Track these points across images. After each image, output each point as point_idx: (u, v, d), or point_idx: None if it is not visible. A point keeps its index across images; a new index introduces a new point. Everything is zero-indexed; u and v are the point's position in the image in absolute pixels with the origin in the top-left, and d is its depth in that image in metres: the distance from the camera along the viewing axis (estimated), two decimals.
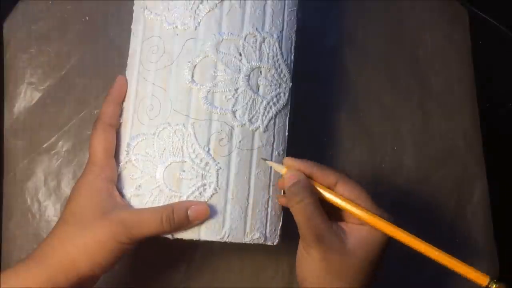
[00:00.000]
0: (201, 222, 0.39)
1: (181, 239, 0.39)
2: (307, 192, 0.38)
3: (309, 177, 0.39)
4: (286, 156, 0.43)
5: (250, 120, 0.40)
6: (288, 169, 0.40)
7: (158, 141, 0.39)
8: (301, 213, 0.38)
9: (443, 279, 0.56)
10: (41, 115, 0.51)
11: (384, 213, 0.38)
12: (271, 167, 0.42)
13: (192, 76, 0.39)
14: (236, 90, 0.40)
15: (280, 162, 0.43)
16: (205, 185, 0.39)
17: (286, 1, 0.42)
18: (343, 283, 0.37)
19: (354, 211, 0.38)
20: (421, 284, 0.55)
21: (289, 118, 0.44)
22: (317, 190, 0.39)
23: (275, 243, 0.42)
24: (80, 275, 0.37)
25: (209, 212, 0.39)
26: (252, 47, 0.40)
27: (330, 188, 0.39)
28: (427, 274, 0.55)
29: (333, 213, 0.40)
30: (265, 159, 0.41)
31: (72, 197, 0.39)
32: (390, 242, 0.39)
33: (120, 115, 0.42)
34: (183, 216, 0.38)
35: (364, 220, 0.38)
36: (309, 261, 0.38)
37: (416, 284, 0.55)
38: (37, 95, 0.51)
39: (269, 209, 0.42)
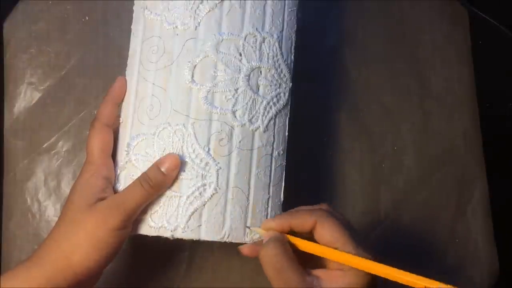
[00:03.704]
0: (177, 171, 0.38)
1: (181, 239, 0.39)
2: (276, 244, 0.37)
3: (291, 231, 0.38)
4: (287, 154, 0.44)
5: (250, 120, 0.40)
6: (266, 231, 0.39)
7: (158, 141, 0.39)
8: (270, 266, 0.36)
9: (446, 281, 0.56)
10: (41, 115, 0.51)
11: (367, 254, 0.36)
12: (271, 167, 0.42)
13: (192, 76, 0.39)
14: (236, 90, 0.40)
15: (281, 162, 0.43)
16: (205, 185, 0.39)
17: (286, 1, 0.42)
18: None
19: (331, 256, 0.36)
20: None
21: (289, 118, 0.44)
22: (292, 239, 0.38)
23: None
24: (77, 273, 0.37)
25: (179, 161, 0.38)
26: (252, 47, 0.40)
27: (311, 233, 0.37)
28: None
29: (313, 259, 0.38)
30: (248, 227, 0.40)
31: (68, 197, 0.39)
32: None
33: (118, 115, 0.42)
34: (157, 173, 0.38)
35: (343, 262, 0.35)
36: None
37: None
38: (37, 95, 0.51)
39: (269, 209, 0.42)
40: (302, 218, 0.38)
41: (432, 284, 0.33)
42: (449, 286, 0.33)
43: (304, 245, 0.38)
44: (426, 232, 0.56)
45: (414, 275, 0.34)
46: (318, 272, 0.37)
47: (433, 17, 0.60)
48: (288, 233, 0.38)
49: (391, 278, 0.35)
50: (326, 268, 0.38)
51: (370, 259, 0.35)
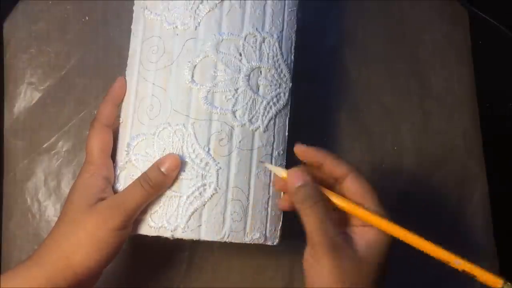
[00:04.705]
0: (178, 171, 0.39)
1: (181, 239, 0.39)
2: (319, 196, 0.37)
3: (317, 167, 0.39)
4: (287, 155, 0.44)
5: (250, 120, 0.40)
6: (292, 169, 0.39)
7: (158, 141, 0.39)
8: (314, 218, 0.36)
9: (449, 279, 0.56)
10: (41, 115, 0.51)
11: (388, 214, 0.37)
12: None
13: (192, 76, 0.39)
14: (236, 90, 0.40)
15: (281, 162, 0.43)
16: (205, 185, 0.39)
17: (286, 1, 0.42)
18: None
19: (358, 212, 0.37)
20: (425, 285, 0.55)
21: (289, 118, 0.44)
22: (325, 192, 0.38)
23: (275, 243, 0.42)
24: (78, 273, 0.37)
25: (180, 161, 0.38)
26: (252, 47, 0.40)
27: (338, 181, 0.38)
28: (431, 274, 0.55)
29: (336, 217, 0.39)
30: (263, 162, 0.40)
31: (68, 197, 0.39)
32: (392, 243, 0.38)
33: (118, 115, 0.42)
34: (157, 173, 0.38)
35: (368, 222, 0.37)
36: (319, 270, 0.35)
37: (420, 285, 0.55)
38: (37, 95, 0.51)
39: (269, 209, 0.42)
40: (337, 162, 0.38)
41: (448, 257, 0.35)
42: (464, 261, 0.35)
43: (333, 197, 0.38)
44: (425, 232, 0.56)
45: (429, 242, 0.36)
46: (346, 229, 0.38)
47: (433, 17, 0.60)
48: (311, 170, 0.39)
49: (410, 243, 0.36)
50: (350, 225, 0.38)
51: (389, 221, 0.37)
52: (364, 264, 0.36)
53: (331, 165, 0.38)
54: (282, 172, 0.40)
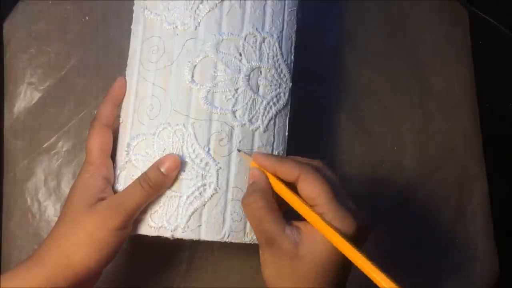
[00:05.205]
0: (177, 171, 0.39)
1: (181, 239, 0.39)
2: (258, 195, 0.37)
3: (274, 174, 0.38)
4: (287, 155, 0.44)
5: (250, 120, 0.40)
6: (253, 166, 0.39)
7: (158, 141, 0.39)
8: (252, 216, 0.37)
9: (446, 280, 0.56)
10: (41, 115, 0.51)
11: (346, 217, 0.35)
12: None
13: (192, 76, 0.39)
14: (236, 90, 0.40)
15: None
16: (205, 185, 0.39)
17: (286, 1, 0.42)
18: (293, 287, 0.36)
19: (304, 214, 0.36)
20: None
21: (289, 118, 0.44)
22: (278, 190, 0.38)
23: None
24: (78, 273, 0.37)
25: (179, 161, 0.38)
26: (252, 47, 0.40)
27: (294, 184, 0.37)
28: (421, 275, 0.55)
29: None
30: (239, 150, 0.40)
31: (68, 197, 0.40)
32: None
33: (118, 115, 0.42)
34: (157, 173, 0.38)
35: (312, 223, 0.36)
36: (263, 263, 0.37)
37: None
38: (37, 95, 0.51)
39: None
40: (288, 168, 0.37)
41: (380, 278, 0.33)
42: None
43: (283, 193, 0.38)
44: (426, 232, 0.56)
45: (374, 268, 0.33)
46: (299, 223, 0.37)
47: (433, 17, 0.60)
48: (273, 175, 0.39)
49: (350, 259, 0.34)
50: (306, 221, 0.37)
51: (341, 231, 0.35)
52: (302, 262, 0.35)
53: (280, 172, 0.38)
54: (249, 163, 0.40)
